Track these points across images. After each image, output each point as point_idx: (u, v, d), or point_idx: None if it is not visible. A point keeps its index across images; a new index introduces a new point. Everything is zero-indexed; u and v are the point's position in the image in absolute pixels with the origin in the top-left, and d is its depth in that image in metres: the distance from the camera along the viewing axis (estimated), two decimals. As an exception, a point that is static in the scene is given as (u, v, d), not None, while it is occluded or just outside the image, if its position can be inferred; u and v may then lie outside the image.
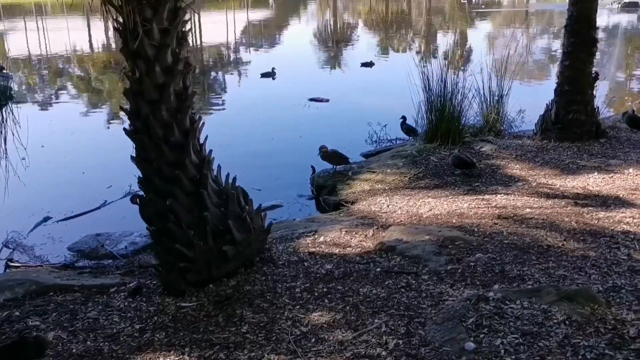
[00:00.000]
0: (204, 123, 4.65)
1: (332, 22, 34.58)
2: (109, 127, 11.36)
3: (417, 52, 19.63)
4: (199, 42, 25.14)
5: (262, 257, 4.66)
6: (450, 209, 5.60)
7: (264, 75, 14.88)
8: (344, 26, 32.50)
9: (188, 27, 4.57)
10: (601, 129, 7.89)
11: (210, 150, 4.59)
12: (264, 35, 28.15)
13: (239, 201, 4.56)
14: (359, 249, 4.78)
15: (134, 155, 4.41)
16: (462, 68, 8.20)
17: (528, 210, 5.31)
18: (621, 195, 5.51)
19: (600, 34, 24.99)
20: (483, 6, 39.66)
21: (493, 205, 5.56)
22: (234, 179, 4.67)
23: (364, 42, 24.14)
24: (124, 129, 4.40)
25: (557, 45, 20.38)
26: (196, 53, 22.48)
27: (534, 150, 7.44)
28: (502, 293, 3.59)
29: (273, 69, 14.83)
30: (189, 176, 4.35)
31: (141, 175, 4.42)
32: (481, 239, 4.65)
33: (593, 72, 7.85)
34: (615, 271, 3.95)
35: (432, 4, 41.39)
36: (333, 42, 24.18)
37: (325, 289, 4.02)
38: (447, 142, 7.80)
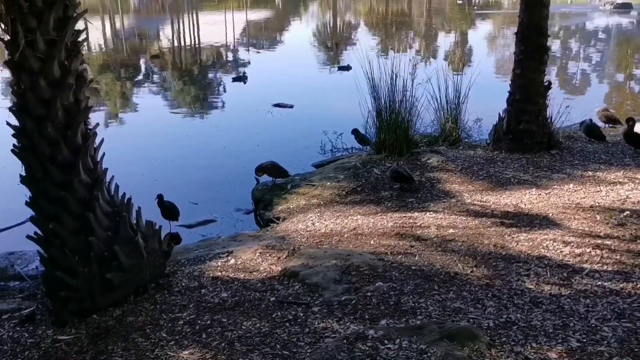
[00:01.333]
0: (102, 140, 4.44)
1: (331, 23, 34.28)
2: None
3: (411, 54, 19.37)
4: (196, 43, 24.98)
5: (159, 283, 4.43)
6: (375, 228, 5.36)
7: (235, 79, 14.66)
8: (343, 27, 32.16)
9: (84, 35, 4.35)
10: (554, 139, 7.63)
11: (106, 169, 4.36)
12: (261, 36, 27.83)
13: (132, 224, 4.33)
14: (265, 274, 4.55)
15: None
16: (414, 74, 7.91)
17: (451, 230, 5.07)
18: (550, 215, 5.26)
19: (601, 35, 24.90)
20: (475, 7, 39.37)
21: (418, 224, 5.32)
22: (129, 199, 4.44)
23: (358, 44, 23.83)
24: (14, 145, 4.17)
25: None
26: (195, 54, 22.30)
27: (482, 162, 7.18)
28: (384, 331, 3.35)
29: (244, 72, 14.62)
30: (77, 197, 4.13)
31: (30, 196, 4.21)
32: (389, 264, 4.41)
33: (545, 81, 7.59)
34: (516, 303, 3.71)
35: (432, 5, 41.05)
36: (332, 44, 23.83)
37: (209, 322, 3.79)
38: (395, 153, 7.55)
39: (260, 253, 5.00)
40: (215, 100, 13.68)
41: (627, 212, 5.11)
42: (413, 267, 4.33)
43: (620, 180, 6.22)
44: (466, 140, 8.90)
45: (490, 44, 23.01)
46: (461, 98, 8.70)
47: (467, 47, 21.78)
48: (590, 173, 6.52)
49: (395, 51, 20.33)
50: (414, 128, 8.30)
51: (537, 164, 7.01)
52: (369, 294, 3.95)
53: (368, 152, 8.11)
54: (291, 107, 11.74)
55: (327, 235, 5.36)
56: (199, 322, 3.80)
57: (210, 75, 17.62)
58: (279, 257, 4.89)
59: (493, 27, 28.69)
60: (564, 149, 7.60)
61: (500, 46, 21.77)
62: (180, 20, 34.54)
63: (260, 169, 7.13)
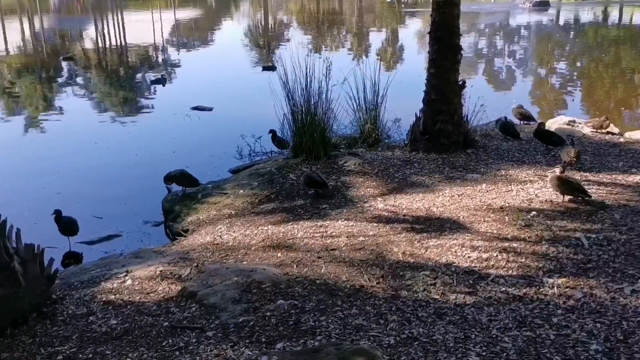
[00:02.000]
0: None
1: (262, 22, 33.80)
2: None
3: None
4: (121, 43, 24.00)
5: (42, 312, 4.03)
6: (284, 239, 5.13)
7: (154, 82, 14.08)
8: (275, 26, 31.74)
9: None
10: (470, 138, 7.65)
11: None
12: (191, 35, 27.00)
13: (7, 248, 3.91)
14: (162, 295, 4.24)
15: None
16: (328, 76, 7.75)
17: (361, 238, 4.91)
18: (461, 217, 5.19)
19: (523, 32, 25.62)
20: (403, 5, 39.89)
21: (329, 233, 5.13)
22: (4, 220, 4.01)
23: (290, 42, 23.52)
24: None
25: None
26: (118, 54, 21.35)
27: (399, 164, 7.09)
28: (278, 356, 3.12)
29: (163, 75, 14.09)
30: (-58, 222, 3.69)
31: None
32: (293, 279, 4.19)
33: (460, 80, 7.59)
34: (419, 316, 3.57)
35: (363, 3, 41.19)
36: (264, 43, 23.37)
37: (91, 355, 3.45)
38: (312, 156, 7.36)
39: (160, 271, 4.67)
40: (131, 104, 13.02)
41: (534, 213, 5.11)
42: (318, 281, 4.13)
43: (531, 178, 6.26)
44: (387, 140, 8.83)
45: (418, 42, 23.26)
46: (379, 98, 8.61)
47: (395, 45, 21.95)
48: (503, 172, 6.53)
49: (329, 49, 20.30)
50: (333, 130, 8.20)
51: (452, 164, 6.98)
52: (268, 313, 3.71)
53: (285, 156, 7.89)
54: (210, 109, 11.35)
55: (234, 249, 5.09)
56: (80, 355, 3.45)
57: (130, 77, 16.83)
58: (180, 276, 4.59)
59: (422, 25, 29.05)
60: (480, 147, 7.62)
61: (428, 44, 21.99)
62: (105, 20, 33.25)
63: (169, 178, 6.77)
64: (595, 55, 18.95)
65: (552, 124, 9.61)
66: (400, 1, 42.36)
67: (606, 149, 7.80)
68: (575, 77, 16.11)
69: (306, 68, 7.51)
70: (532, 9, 32.66)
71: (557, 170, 5.42)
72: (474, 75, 15.95)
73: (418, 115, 7.75)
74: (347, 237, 4.98)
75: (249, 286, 4.07)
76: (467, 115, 7.80)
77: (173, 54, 20.89)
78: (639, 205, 5.19)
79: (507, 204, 5.45)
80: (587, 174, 6.40)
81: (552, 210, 5.20)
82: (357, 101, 8.63)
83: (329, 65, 7.64)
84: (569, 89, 14.45)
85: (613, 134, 9.02)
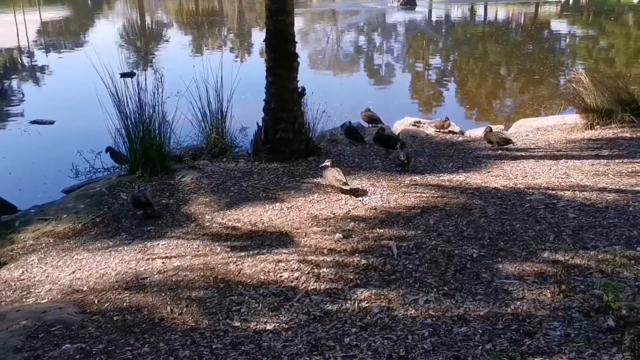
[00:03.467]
0: None
1: (139, 22, 32.23)
2: None
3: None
4: None
5: None
6: (97, 269, 4.78)
7: (-7, 93, 12.94)
8: (153, 26, 30.36)
9: None
10: (312, 145, 7.65)
11: None
12: (51, 38, 25.07)
13: None
14: (-62, 349, 3.75)
15: None
16: (163, 87, 7.41)
17: (177, 263, 4.68)
18: (284, 232, 5.11)
19: (399, 29, 26.44)
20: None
21: (146, 258, 4.85)
22: None
23: (164, 44, 22.60)
24: None
25: (346, 45, 20.88)
26: None
27: (238, 176, 6.91)
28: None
29: (3, 85, 12.94)
30: None
31: None
32: (89, 317, 3.89)
33: (299, 87, 7.56)
34: (213, 349, 3.42)
35: (243, 3, 40.59)
36: (142, 44, 22.15)
37: None
38: (148, 172, 7.00)
39: (-55, 319, 4.15)
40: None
41: (355, 222, 5.14)
42: (116, 318, 3.86)
43: (364, 185, 6.32)
44: (236, 150, 8.63)
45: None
46: (224, 106, 8.39)
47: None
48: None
49: (210, 49, 19.79)
50: (177, 142, 7.93)
51: (292, 173, 6.92)
52: (49, 362, 3.39)
53: (122, 172, 7.46)
54: (52, 123, 10.54)
55: (39, 284, 4.67)
56: None
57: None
58: (-31, 322, 4.11)
59: (303, 24, 29.09)
60: (323, 154, 7.63)
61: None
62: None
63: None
64: (466, 50, 20.05)
65: (398, 126, 9.94)
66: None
67: (443, 149, 8.14)
68: (447, 73, 16.86)
69: (137, 81, 7.14)
70: (400, 8, 33.95)
71: (328, 164, 6.14)
72: (353, 73, 16.34)
73: (260, 124, 7.64)
74: (163, 262, 4.73)
75: (37, 330, 3.71)
76: (309, 122, 7.80)
77: (28, 60, 19.34)
78: (455, 208, 5.38)
79: (332, 214, 5.45)
80: (417, 177, 6.59)
81: (374, 218, 5.27)
82: (202, 110, 8.37)
83: (162, 77, 7.31)
84: (443, 85, 15.12)
85: (454, 133, 9.48)
